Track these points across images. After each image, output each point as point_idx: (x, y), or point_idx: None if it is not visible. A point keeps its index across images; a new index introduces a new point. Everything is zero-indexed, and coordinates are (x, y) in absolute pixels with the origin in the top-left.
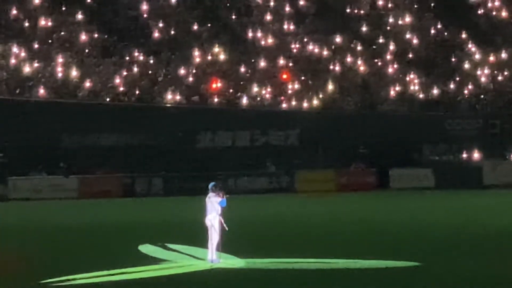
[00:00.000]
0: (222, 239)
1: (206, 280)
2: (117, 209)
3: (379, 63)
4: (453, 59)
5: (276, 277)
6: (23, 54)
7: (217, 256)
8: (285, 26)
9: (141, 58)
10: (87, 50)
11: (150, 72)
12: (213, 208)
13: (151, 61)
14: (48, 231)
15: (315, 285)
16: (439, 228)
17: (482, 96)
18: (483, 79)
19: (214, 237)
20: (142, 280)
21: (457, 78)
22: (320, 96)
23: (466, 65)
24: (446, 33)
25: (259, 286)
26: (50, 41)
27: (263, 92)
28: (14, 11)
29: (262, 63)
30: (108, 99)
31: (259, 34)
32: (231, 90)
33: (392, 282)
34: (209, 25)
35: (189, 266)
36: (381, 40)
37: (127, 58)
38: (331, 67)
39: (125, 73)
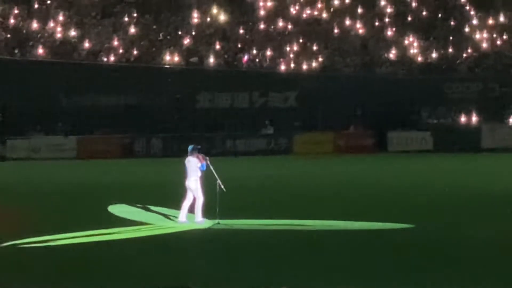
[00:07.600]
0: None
1: (168, 241)
2: (113, 169)
3: (378, 25)
4: (452, 23)
5: (245, 238)
6: (22, 13)
7: (186, 217)
8: None
9: (140, 19)
10: (86, 10)
11: (149, 33)
12: (193, 171)
13: (150, 22)
14: (36, 191)
15: (298, 247)
16: (436, 191)
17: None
18: (483, 43)
19: (199, 199)
20: (110, 242)
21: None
22: (319, 58)
23: (466, 29)
24: None
25: (226, 247)
26: (49, 0)
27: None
28: None
29: (262, 25)
30: (106, 60)
31: None
32: (228, 54)
33: (386, 244)
34: None
35: (159, 229)
36: (380, 3)
37: (126, 19)
38: (330, 29)
39: (124, 34)
